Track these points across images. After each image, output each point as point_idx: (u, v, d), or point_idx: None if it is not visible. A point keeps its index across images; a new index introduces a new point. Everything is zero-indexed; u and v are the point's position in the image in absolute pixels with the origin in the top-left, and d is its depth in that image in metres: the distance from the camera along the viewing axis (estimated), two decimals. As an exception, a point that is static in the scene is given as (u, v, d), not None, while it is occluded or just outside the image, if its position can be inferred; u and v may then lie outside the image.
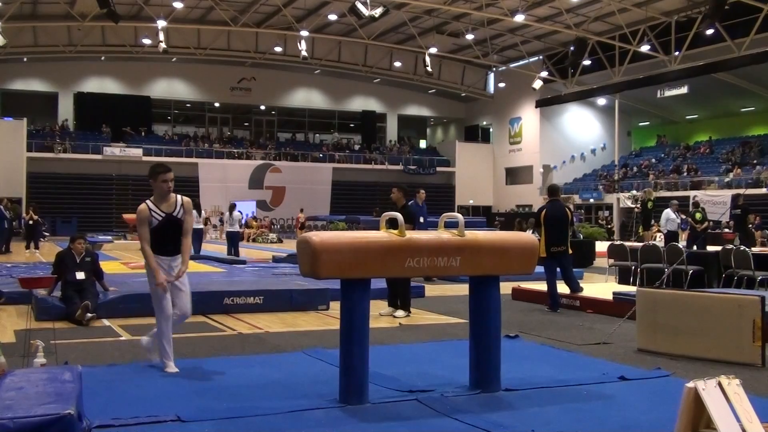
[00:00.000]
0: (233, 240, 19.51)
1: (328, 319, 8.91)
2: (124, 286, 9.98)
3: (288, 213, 40.20)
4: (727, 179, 33.11)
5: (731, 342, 6.32)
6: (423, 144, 51.88)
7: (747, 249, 11.63)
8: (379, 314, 9.08)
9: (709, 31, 28.96)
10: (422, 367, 6.07)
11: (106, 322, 8.46)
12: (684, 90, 34.53)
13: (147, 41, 36.46)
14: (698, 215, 15.98)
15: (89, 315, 8.25)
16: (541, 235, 10.22)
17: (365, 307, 4.84)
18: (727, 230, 24.69)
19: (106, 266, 11.60)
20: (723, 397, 2.55)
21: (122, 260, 18.42)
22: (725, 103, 38.46)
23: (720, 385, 2.57)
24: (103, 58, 39.93)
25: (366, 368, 4.80)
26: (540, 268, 9.14)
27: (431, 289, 11.82)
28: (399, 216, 5.06)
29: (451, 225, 5.39)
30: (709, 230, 19.50)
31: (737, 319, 6.31)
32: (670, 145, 42.06)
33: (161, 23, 32.31)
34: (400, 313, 9.25)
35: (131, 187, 39.42)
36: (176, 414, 4.43)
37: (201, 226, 19.67)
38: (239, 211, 20.37)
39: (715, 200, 29.68)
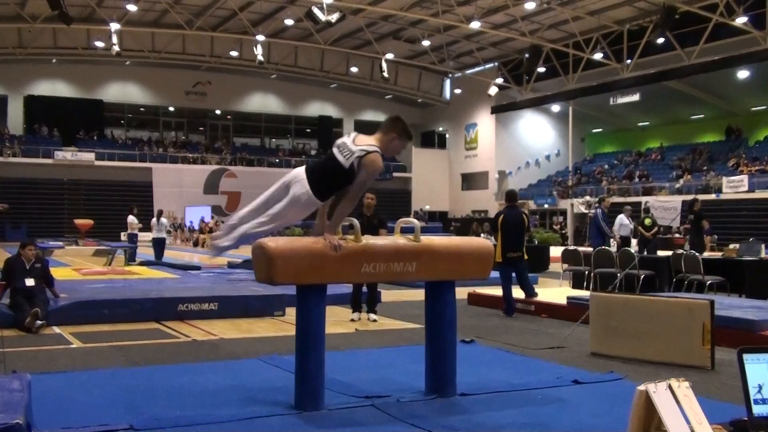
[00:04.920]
0: (161, 246, 20.28)
1: (284, 326, 8.86)
2: (76, 292, 9.81)
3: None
4: (677, 185, 33.78)
5: (682, 345, 6.43)
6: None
7: (697, 254, 11.88)
8: (351, 320, 9.25)
9: (660, 40, 29.57)
10: (378, 372, 6.07)
11: (56, 329, 8.29)
12: (636, 97, 35.11)
13: (100, 44, 35.89)
14: (647, 221, 16.22)
15: (39, 322, 8.08)
16: (497, 240, 10.31)
17: (321, 313, 4.81)
18: (677, 235, 25.17)
19: (57, 272, 11.39)
20: (673, 399, 2.59)
21: (73, 266, 18.09)
22: (676, 111, 39.24)
23: (670, 387, 2.61)
24: (54, 60, 39.16)
25: (322, 374, 4.78)
26: (496, 273, 9.22)
27: (387, 295, 11.83)
28: (355, 221, 5.03)
29: (407, 231, 5.40)
30: (660, 235, 19.83)
31: (687, 322, 6.42)
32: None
33: (114, 26, 31.83)
34: (373, 316, 9.38)
35: (83, 191, 38.79)
36: (128, 422, 4.35)
37: (135, 231, 21.25)
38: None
39: (666, 206, 30.27)
